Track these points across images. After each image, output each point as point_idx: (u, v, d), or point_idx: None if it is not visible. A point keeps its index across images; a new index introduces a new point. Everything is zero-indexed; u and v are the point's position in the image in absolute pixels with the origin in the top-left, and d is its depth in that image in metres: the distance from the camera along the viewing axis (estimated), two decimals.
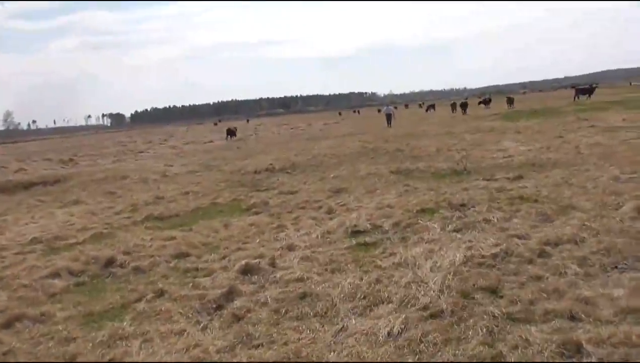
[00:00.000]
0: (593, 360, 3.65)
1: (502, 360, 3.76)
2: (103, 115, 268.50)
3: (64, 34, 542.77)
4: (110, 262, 7.23)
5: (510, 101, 46.41)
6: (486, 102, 56.34)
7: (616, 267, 5.30)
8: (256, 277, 6.12)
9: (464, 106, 46.28)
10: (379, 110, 67.64)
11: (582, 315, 4.27)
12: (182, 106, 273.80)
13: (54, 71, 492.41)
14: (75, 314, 5.50)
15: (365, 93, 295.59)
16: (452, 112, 49.33)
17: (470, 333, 4.17)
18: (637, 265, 5.30)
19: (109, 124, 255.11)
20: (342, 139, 28.14)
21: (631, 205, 7.34)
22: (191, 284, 6.07)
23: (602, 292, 4.69)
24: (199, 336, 4.65)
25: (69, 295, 6.20)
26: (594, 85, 49.15)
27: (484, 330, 4.18)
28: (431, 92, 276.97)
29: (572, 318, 4.27)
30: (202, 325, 4.91)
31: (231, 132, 39.68)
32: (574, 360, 3.70)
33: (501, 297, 4.83)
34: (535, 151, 14.43)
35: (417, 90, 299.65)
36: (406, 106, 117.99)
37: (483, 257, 5.90)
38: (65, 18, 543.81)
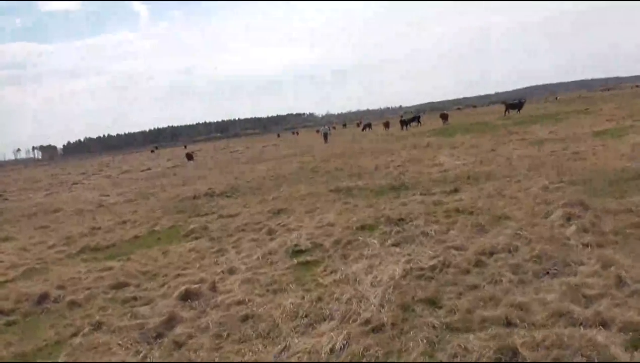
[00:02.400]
0: None
1: None
2: (33, 148, 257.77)
3: None
4: (43, 298, 6.95)
5: (444, 117, 47.84)
6: (409, 121, 59.54)
7: (547, 273, 5.53)
8: (197, 302, 6.03)
9: (404, 123, 48.35)
10: (318, 131, 68.57)
11: (517, 321, 4.44)
12: (118, 135, 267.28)
13: None
14: (6, 355, 5.25)
15: (303, 114, 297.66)
16: (385, 129, 51.37)
17: (411, 345, 4.25)
18: (567, 270, 5.55)
19: (40, 157, 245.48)
20: (281, 160, 28.21)
21: (559, 213, 7.70)
22: (130, 314, 5.92)
23: (535, 297, 4.88)
24: None
25: None
26: (522, 100, 51.24)
27: (424, 341, 4.27)
28: (368, 111, 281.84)
29: (508, 324, 4.43)
30: (141, 355, 4.80)
31: (190, 156, 41.63)
32: None
33: (440, 307, 4.96)
34: (470, 165, 14.89)
35: (354, 109, 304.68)
36: (344, 125, 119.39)
37: (422, 269, 6.03)
38: None
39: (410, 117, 50.44)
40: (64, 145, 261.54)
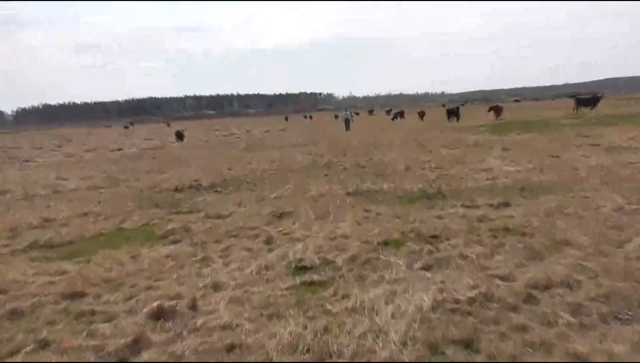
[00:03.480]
0: None
1: None
2: None
3: None
4: None
5: (497, 110, 47.71)
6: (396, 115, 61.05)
7: (617, 318, 5.48)
8: (171, 323, 6.03)
9: (452, 113, 48.57)
10: (336, 116, 69.00)
11: None
12: (85, 103, 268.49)
13: None
14: None
15: (320, 94, 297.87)
16: (421, 119, 52.07)
17: None
18: None
19: None
20: (289, 150, 28.27)
21: (637, 242, 7.65)
22: (86, 332, 5.92)
23: (598, 347, 4.84)
24: None
25: None
26: (598, 95, 50.95)
27: None
28: (401, 96, 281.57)
29: None
30: None
31: (180, 135, 44.95)
32: None
33: (477, 351, 4.94)
34: (525, 172, 14.84)
35: (383, 93, 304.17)
36: (370, 112, 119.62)
37: (457, 301, 6.02)
38: None
39: (588, 97, 49.70)
40: (14, 111, 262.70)
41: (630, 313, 5.54)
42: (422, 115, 59.30)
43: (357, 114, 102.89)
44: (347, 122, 47.25)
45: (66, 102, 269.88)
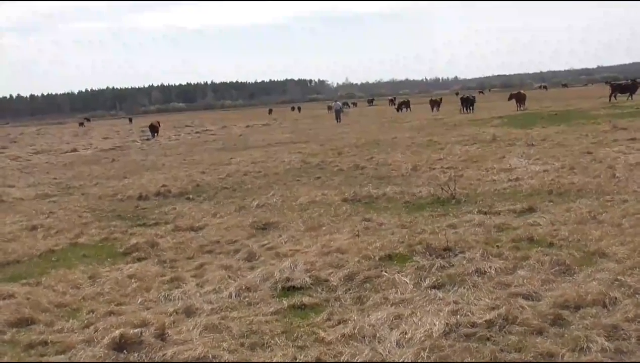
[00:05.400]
0: None
1: None
2: None
3: None
4: None
5: (520, 99, 47.86)
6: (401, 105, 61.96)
7: None
8: (136, 354, 6.05)
9: (468, 102, 49.13)
10: (329, 108, 69.71)
11: None
12: (31, 97, 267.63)
13: None
14: None
15: (310, 81, 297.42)
16: (432, 110, 52.72)
17: None
18: None
19: None
20: (274, 149, 28.35)
21: None
22: None
23: None
24: None
25: None
26: (638, 81, 51.05)
27: None
28: (407, 83, 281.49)
29: None
30: None
31: (154, 129, 47.30)
32: None
33: None
34: (553, 172, 14.91)
35: (386, 79, 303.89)
36: (370, 102, 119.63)
37: (473, 325, 6.04)
38: None
39: (626, 83, 49.65)
40: None
41: None
42: (435, 104, 59.39)
43: (355, 104, 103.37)
44: (337, 113, 52.60)
45: (11, 95, 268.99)
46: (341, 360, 5.53)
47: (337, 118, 51.95)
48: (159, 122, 51.73)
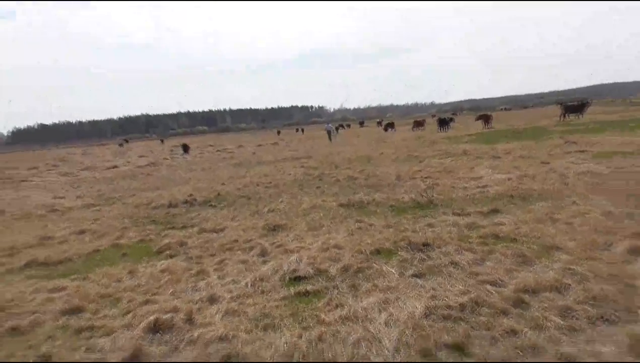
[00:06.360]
0: None
1: None
2: None
3: None
4: None
5: (486, 119, 47.98)
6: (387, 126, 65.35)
7: (605, 319, 5.55)
8: (168, 336, 6.08)
9: (444, 123, 49.58)
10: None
11: None
12: (79, 122, 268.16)
13: None
14: None
15: (311, 107, 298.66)
16: (414, 130, 53.90)
17: None
18: (629, 317, 5.57)
19: None
20: (282, 164, 28.34)
21: (625, 246, 7.73)
22: (85, 347, 5.96)
23: (587, 349, 4.92)
24: None
25: None
26: (586, 102, 51.19)
27: None
28: (392, 107, 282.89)
29: None
30: None
31: (186, 148, 49.97)
32: None
33: (469, 355, 5.00)
34: (515, 180, 14.89)
35: (374, 104, 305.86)
36: (361, 124, 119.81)
37: (449, 307, 6.07)
38: None
39: (575, 104, 49.98)
40: (10, 132, 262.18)
41: (617, 314, 5.61)
42: (419, 124, 60.22)
43: (349, 126, 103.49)
44: (329, 134, 54.54)
45: (62, 121, 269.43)
46: (338, 338, 5.56)
47: (329, 138, 53.50)
48: (187, 144, 54.76)
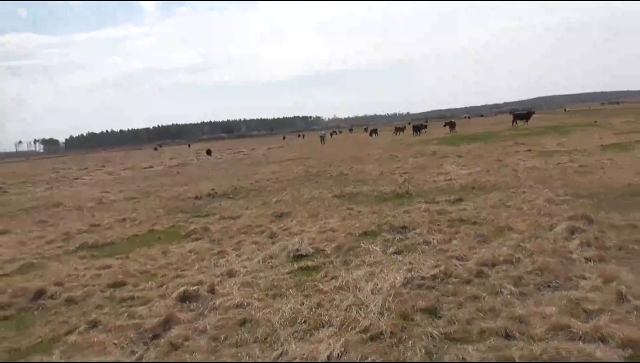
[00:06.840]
0: None
1: None
2: (35, 141, 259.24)
3: None
4: (40, 294, 6.92)
5: (451, 125, 48.01)
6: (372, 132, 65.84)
7: (549, 286, 5.55)
8: (195, 304, 6.04)
9: (418, 128, 49.79)
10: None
11: (517, 333, 4.45)
12: (121, 131, 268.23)
13: None
14: (0, 350, 5.27)
15: (310, 117, 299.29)
16: (396, 134, 53.78)
17: (409, 354, 4.27)
18: (568, 283, 5.57)
19: (41, 150, 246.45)
20: (286, 163, 28.30)
21: (563, 226, 7.74)
22: (127, 314, 5.92)
23: (535, 310, 4.90)
24: None
25: None
26: (531, 111, 51.39)
27: (423, 350, 4.29)
28: (375, 117, 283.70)
29: (507, 336, 4.44)
30: (137, 355, 4.81)
31: (209, 152, 50.55)
32: None
33: (440, 317, 4.98)
34: (475, 174, 14.91)
35: (361, 114, 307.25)
36: (350, 130, 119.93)
37: (423, 278, 6.05)
38: None
39: (523, 113, 50.12)
40: (66, 139, 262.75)
41: (558, 282, 5.61)
42: (399, 130, 60.65)
43: (341, 132, 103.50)
44: (322, 138, 57.64)
45: (107, 130, 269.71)
46: (333, 304, 5.54)
47: (322, 141, 56.01)
48: (210, 149, 55.23)
